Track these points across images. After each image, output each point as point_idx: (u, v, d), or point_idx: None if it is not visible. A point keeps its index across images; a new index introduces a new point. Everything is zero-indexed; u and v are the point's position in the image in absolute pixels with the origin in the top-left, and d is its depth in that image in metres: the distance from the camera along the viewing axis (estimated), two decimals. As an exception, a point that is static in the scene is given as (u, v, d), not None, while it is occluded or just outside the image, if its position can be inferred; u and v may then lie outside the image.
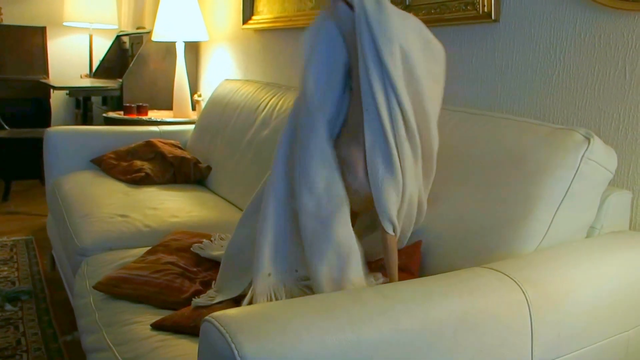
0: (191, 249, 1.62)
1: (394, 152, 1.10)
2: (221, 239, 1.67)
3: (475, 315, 0.91)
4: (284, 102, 2.22)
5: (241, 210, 2.19)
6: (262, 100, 2.36)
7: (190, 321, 1.27)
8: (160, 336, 1.25)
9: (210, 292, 1.33)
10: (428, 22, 1.87)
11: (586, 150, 1.19)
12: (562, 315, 1.01)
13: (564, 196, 1.18)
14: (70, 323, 2.20)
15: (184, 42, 3.33)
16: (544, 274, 1.03)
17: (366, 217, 1.33)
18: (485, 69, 1.72)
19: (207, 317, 0.78)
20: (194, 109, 3.45)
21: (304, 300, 0.83)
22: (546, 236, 1.18)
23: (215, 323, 0.75)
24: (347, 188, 1.16)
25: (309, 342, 0.76)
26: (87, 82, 4.08)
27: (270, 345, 0.73)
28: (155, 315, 1.34)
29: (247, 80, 2.70)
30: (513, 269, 1.02)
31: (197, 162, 2.53)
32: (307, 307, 0.81)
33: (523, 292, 0.97)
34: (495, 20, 1.66)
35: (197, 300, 1.31)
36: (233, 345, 0.72)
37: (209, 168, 2.52)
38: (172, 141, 2.70)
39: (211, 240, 1.66)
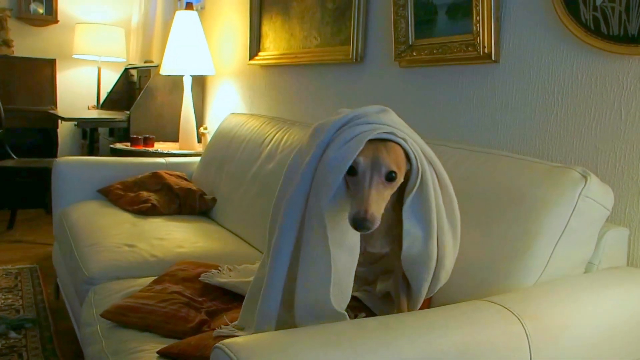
0: (199, 278, 1.64)
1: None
2: (229, 269, 1.70)
3: (476, 347, 0.94)
4: (289, 137, 2.27)
5: (245, 241, 2.22)
6: (267, 134, 2.42)
7: (197, 350, 1.29)
8: (167, 364, 1.27)
9: (234, 324, 1.35)
10: (430, 62, 1.94)
11: (583, 187, 1.23)
12: (560, 348, 1.04)
13: (562, 232, 1.22)
14: (74, 352, 2.22)
15: (191, 76, 3.41)
16: (543, 307, 1.06)
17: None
18: (486, 108, 1.78)
19: (217, 344, 0.81)
20: (199, 141, 3.51)
21: (311, 330, 0.86)
22: (545, 271, 1.21)
23: (226, 350, 0.79)
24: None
25: (316, 369, 0.79)
26: (95, 114, 4.16)
27: (279, 373, 0.76)
28: (161, 344, 1.37)
29: (253, 115, 2.76)
30: (512, 302, 1.06)
31: (202, 194, 2.57)
32: (314, 337, 0.84)
33: (522, 325, 1.00)
34: (495, 61, 1.72)
35: (220, 331, 1.33)
36: (243, 372, 0.75)
37: (214, 200, 2.56)
38: (178, 173, 2.75)
39: (219, 271, 1.69)
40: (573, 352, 1.05)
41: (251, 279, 1.63)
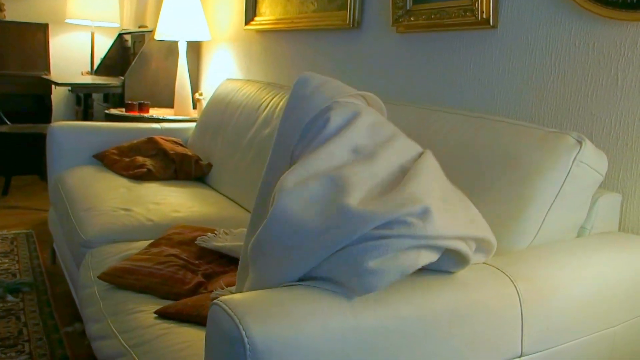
0: (195, 242, 1.66)
1: None
2: (225, 233, 1.72)
3: (469, 307, 0.96)
4: (285, 102, 2.26)
5: (241, 207, 2.23)
6: (263, 99, 2.41)
7: (194, 310, 1.32)
8: (164, 324, 1.29)
9: (230, 289, 1.37)
10: (428, 28, 1.93)
11: (578, 153, 1.24)
12: (551, 309, 1.06)
13: (556, 197, 1.23)
14: (71, 315, 2.24)
15: (186, 41, 3.38)
16: (535, 270, 1.08)
17: None
18: (483, 74, 1.77)
19: (215, 301, 0.82)
20: (194, 107, 3.50)
21: (309, 287, 0.88)
22: (537, 235, 1.23)
23: (224, 306, 0.80)
24: None
25: (312, 325, 0.80)
26: (89, 79, 4.12)
27: (277, 328, 0.78)
28: (159, 305, 1.39)
29: (249, 80, 2.75)
30: (506, 264, 1.07)
31: (198, 160, 2.57)
32: (311, 293, 0.85)
33: (515, 287, 1.02)
34: (494, 27, 1.71)
35: (218, 292, 1.35)
36: (241, 327, 0.76)
37: (210, 165, 2.56)
38: (174, 138, 2.74)
39: (215, 234, 1.70)
40: (563, 314, 1.08)
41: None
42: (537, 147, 1.28)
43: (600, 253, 1.21)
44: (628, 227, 1.42)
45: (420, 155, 1.14)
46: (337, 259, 0.87)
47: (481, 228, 1.04)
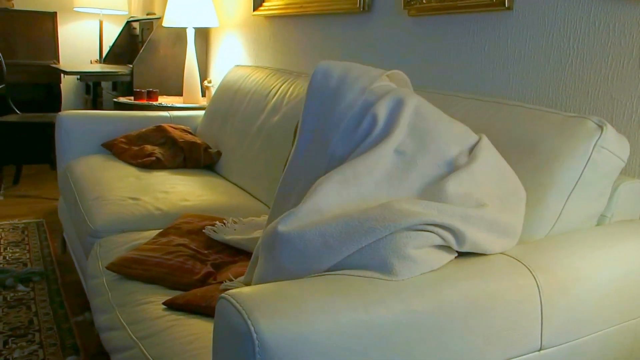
0: (203, 231, 1.63)
1: None
2: (234, 222, 1.69)
3: (486, 299, 0.92)
4: (294, 89, 2.22)
5: (251, 195, 2.20)
6: (272, 86, 2.37)
7: (203, 301, 1.29)
8: (173, 315, 1.27)
9: (240, 279, 1.34)
10: (441, 10, 1.88)
11: (599, 138, 1.19)
12: (571, 300, 1.02)
13: (575, 184, 1.19)
14: (81, 304, 2.23)
15: (195, 28, 3.34)
16: (555, 260, 1.04)
17: None
18: (498, 57, 1.72)
19: (223, 295, 0.79)
20: (203, 95, 3.46)
21: (318, 280, 0.84)
22: (556, 224, 1.19)
23: (232, 300, 0.77)
24: None
25: (323, 320, 0.77)
26: (98, 68, 4.10)
27: (286, 323, 0.75)
28: (167, 296, 1.36)
29: (258, 67, 2.71)
30: (524, 254, 1.03)
31: (207, 148, 2.54)
32: (321, 287, 0.82)
33: (534, 277, 0.98)
34: (509, 8, 1.66)
35: (228, 284, 1.33)
36: (249, 322, 0.73)
37: (219, 153, 2.53)
38: (183, 126, 2.72)
39: (224, 224, 1.67)
40: (584, 305, 1.04)
41: (256, 234, 1.62)
42: (556, 133, 1.24)
43: (621, 242, 1.17)
44: (650, 215, 1.37)
45: (477, 143, 1.11)
46: (376, 245, 0.89)
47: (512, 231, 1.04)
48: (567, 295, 1.01)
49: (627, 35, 1.38)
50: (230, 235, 1.60)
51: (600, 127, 1.20)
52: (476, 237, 0.97)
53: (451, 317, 0.88)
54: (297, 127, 1.24)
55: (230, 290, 0.80)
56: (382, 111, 1.08)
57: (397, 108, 1.10)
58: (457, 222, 0.94)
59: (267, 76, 2.48)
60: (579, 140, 1.20)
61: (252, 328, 0.72)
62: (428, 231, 0.92)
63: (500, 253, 1.04)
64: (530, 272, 0.99)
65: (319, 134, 1.12)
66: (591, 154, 1.19)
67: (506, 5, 1.65)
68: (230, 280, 1.37)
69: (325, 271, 0.89)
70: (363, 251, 0.89)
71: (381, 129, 1.08)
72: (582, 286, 1.04)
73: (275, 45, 2.97)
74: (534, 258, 1.02)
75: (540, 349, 0.99)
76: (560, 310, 1.00)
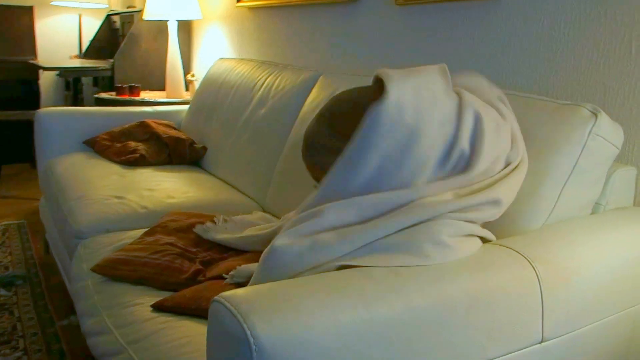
0: (194, 230, 1.59)
1: None
2: (225, 220, 1.65)
3: (487, 293, 0.90)
4: (281, 81, 2.18)
5: (238, 190, 2.16)
6: (258, 78, 2.33)
7: (193, 302, 1.25)
8: (162, 318, 1.23)
9: (242, 268, 1.31)
10: (429, -2, 1.85)
11: (593, 125, 1.17)
12: (571, 291, 1.00)
13: (571, 172, 1.17)
14: (66, 307, 2.18)
15: (177, 20, 3.28)
16: (553, 250, 1.02)
17: None
18: (488, 45, 1.70)
19: (216, 298, 0.76)
20: (187, 89, 3.41)
21: (315, 278, 0.81)
22: (552, 213, 1.17)
23: (226, 303, 0.73)
24: None
25: (322, 320, 0.74)
26: (78, 63, 4.01)
27: (284, 325, 0.71)
28: (156, 297, 1.32)
29: (242, 59, 2.66)
30: (523, 245, 1.01)
31: (192, 143, 2.49)
32: (319, 286, 0.79)
33: (534, 269, 0.96)
34: (497, -4, 1.63)
35: (233, 279, 1.29)
36: (245, 326, 0.70)
37: (204, 148, 2.49)
38: (166, 122, 2.66)
39: (214, 222, 1.63)
40: (584, 295, 1.02)
41: (247, 232, 1.58)
42: (550, 120, 1.21)
43: (618, 230, 1.15)
44: (644, 202, 1.36)
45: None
46: (412, 230, 0.93)
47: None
48: (567, 286, 0.99)
49: (618, 22, 1.36)
50: (221, 234, 1.56)
51: (595, 115, 1.18)
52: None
53: (452, 313, 0.86)
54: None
55: (224, 293, 0.76)
56: (465, 143, 1.07)
57: (476, 128, 1.09)
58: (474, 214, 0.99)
59: (252, 68, 2.44)
60: (573, 127, 1.18)
61: (248, 332, 0.69)
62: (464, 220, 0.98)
63: (499, 245, 1.01)
64: (530, 263, 0.96)
65: (388, 172, 1.03)
66: (586, 141, 1.17)
67: (495, -8, 1.62)
68: (226, 274, 1.33)
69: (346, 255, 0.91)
70: (394, 237, 0.92)
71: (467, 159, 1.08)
72: (581, 276, 1.02)
73: (260, 37, 2.92)
74: (533, 249, 1.00)
75: (542, 341, 0.97)
76: (561, 301, 0.98)
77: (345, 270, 0.86)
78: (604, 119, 1.18)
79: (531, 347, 0.96)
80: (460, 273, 0.90)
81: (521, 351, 0.95)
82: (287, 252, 0.91)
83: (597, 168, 1.21)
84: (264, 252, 0.96)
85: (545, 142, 1.19)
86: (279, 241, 0.94)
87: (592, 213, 1.25)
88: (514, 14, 1.61)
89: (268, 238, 1.48)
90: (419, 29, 1.93)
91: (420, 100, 1.05)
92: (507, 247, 1.00)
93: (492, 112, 1.15)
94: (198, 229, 1.58)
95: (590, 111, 1.19)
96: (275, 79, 2.22)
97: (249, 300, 0.74)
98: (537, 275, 0.96)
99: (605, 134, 1.19)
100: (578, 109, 1.20)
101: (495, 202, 1.04)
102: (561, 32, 1.49)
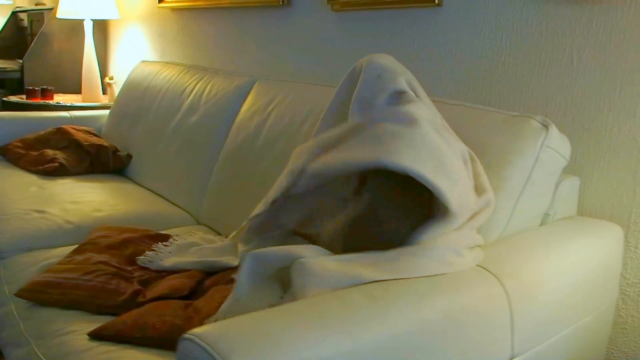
0: (137, 262, 1.47)
1: None
2: (165, 245, 1.54)
3: (461, 313, 0.88)
4: (212, 87, 2.09)
5: (169, 201, 2.05)
6: (187, 84, 2.22)
7: (137, 331, 1.15)
8: (102, 347, 1.12)
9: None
10: (367, 5, 1.82)
11: (545, 138, 1.18)
12: (538, 305, 1.00)
13: (525, 185, 1.17)
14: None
15: (92, 20, 3.09)
16: (518, 264, 1.02)
17: None
18: (428, 54, 1.70)
19: (186, 335, 0.68)
20: (104, 92, 3.22)
21: (292, 309, 0.76)
22: (508, 224, 1.17)
23: (200, 342, 0.66)
24: None
25: (305, 353, 0.69)
26: (-21, 63, 3.70)
27: (267, 364, 0.65)
28: (92, 323, 1.21)
29: (168, 62, 2.54)
30: (488, 261, 1.00)
31: (115, 150, 2.35)
32: (298, 316, 0.74)
33: (502, 286, 0.95)
34: (438, 5, 1.64)
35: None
36: (226, 367, 0.63)
37: (129, 156, 2.35)
38: (86, 128, 2.50)
39: (154, 250, 1.52)
40: (549, 307, 1.02)
41: (193, 251, 1.49)
42: (501, 132, 1.22)
43: (573, 242, 1.17)
44: (585, 211, 1.40)
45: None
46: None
47: None
48: (534, 300, 0.99)
49: (559, 34, 1.40)
50: (170, 259, 1.46)
51: (546, 127, 1.19)
52: None
53: (431, 336, 0.83)
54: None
55: (195, 330, 0.69)
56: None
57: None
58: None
59: (179, 73, 2.33)
60: (526, 140, 1.18)
61: (231, 375, 0.63)
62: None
63: (466, 261, 1.00)
64: (498, 280, 0.95)
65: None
66: (539, 153, 1.18)
67: (436, 2, 1.63)
68: (162, 294, 1.25)
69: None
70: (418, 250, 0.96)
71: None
72: (546, 289, 1.02)
73: (184, 40, 2.80)
74: (498, 265, 0.99)
75: (512, 358, 0.96)
76: (528, 316, 0.98)
77: (321, 295, 0.81)
78: (554, 131, 1.20)
79: (501, 364, 0.95)
80: (435, 293, 0.87)
81: (492, 369, 0.94)
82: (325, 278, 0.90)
83: (548, 179, 1.23)
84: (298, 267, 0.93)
85: (498, 154, 1.19)
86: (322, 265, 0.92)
87: (541, 223, 1.27)
88: (455, 23, 1.62)
89: (225, 265, 1.41)
90: (355, 36, 1.91)
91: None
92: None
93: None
94: (141, 261, 1.48)
95: (541, 123, 1.20)
96: (207, 85, 2.12)
97: (226, 338, 0.67)
98: (505, 291, 0.95)
99: (556, 146, 1.21)
100: (528, 121, 1.21)
101: (489, 202, 1.07)
102: (503, 42, 1.51)
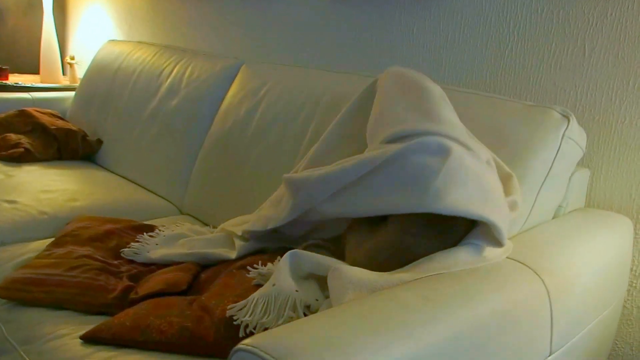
0: (122, 254, 1.37)
1: None
2: (151, 237, 1.44)
3: (513, 312, 0.83)
4: (194, 69, 1.98)
5: (147, 189, 1.94)
6: (165, 65, 2.10)
7: (138, 334, 1.05)
8: (102, 353, 1.02)
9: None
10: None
11: (566, 128, 1.15)
12: (574, 299, 0.97)
13: (546, 176, 1.14)
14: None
15: (52, -5, 2.90)
16: (553, 259, 0.98)
17: None
18: (429, 40, 1.64)
19: (241, 346, 0.60)
20: (64, 73, 3.04)
21: (351, 312, 0.69)
22: (529, 217, 1.13)
23: (261, 353, 0.59)
24: None
25: (375, 363, 0.62)
26: None
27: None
28: (82, 324, 1.11)
29: (141, 42, 2.39)
30: (525, 256, 0.96)
31: (85, 135, 2.20)
32: (362, 321, 0.67)
33: (542, 282, 0.91)
34: (440, -11, 1.58)
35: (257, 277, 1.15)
36: (297, 384, 0.56)
37: (99, 142, 2.21)
38: (50, 110, 2.34)
39: (139, 242, 1.42)
40: (584, 301, 1.00)
41: (181, 242, 1.40)
42: (522, 123, 1.18)
43: (595, 234, 1.15)
44: (594, 203, 1.38)
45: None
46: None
47: None
48: (570, 295, 0.96)
49: (571, 23, 1.36)
50: (157, 251, 1.36)
51: (567, 118, 1.16)
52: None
53: (487, 335, 0.78)
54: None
55: (249, 340, 0.61)
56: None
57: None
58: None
59: (155, 54, 2.20)
60: (548, 131, 1.15)
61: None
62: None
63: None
64: (539, 276, 0.91)
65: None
66: (560, 144, 1.15)
67: (438, -14, 1.57)
68: (154, 288, 1.16)
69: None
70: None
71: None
72: (581, 283, 0.99)
73: (154, 19, 2.66)
74: (536, 260, 0.95)
75: (550, 354, 0.93)
76: (566, 311, 0.95)
77: (371, 300, 0.74)
78: (574, 121, 1.17)
79: (539, 363, 0.92)
80: (485, 291, 0.82)
81: (531, 369, 0.90)
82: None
83: (566, 171, 1.20)
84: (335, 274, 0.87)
85: (520, 146, 1.15)
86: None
87: (554, 215, 1.24)
88: (458, 9, 1.56)
89: (220, 257, 1.33)
90: (351, 20, 1.84)
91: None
92: (512, 259, 0.94)
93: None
94: (126, 253, 1.37)
95: (561, 114, 1.16)
96: (187, 67, 2.01)
97: (290, 349, 0.59)
98: (545, 288, 0.91)
99: (575, 137, 1.18)
100: (549, 111, 1.17)
101: (513, 204, 1.03)
102: (510, 31, 1.47)
